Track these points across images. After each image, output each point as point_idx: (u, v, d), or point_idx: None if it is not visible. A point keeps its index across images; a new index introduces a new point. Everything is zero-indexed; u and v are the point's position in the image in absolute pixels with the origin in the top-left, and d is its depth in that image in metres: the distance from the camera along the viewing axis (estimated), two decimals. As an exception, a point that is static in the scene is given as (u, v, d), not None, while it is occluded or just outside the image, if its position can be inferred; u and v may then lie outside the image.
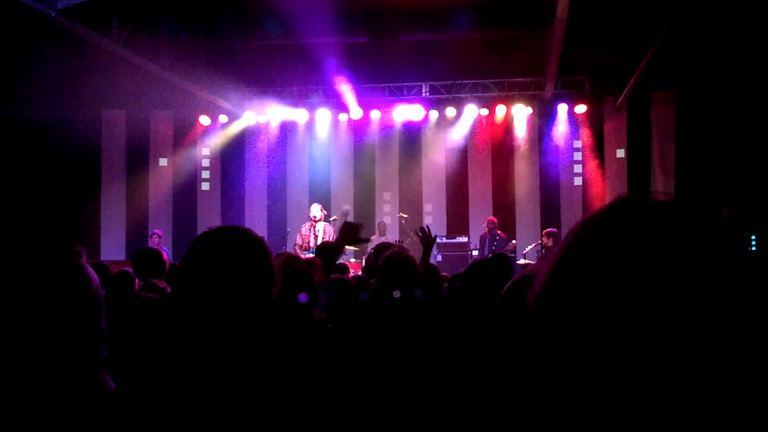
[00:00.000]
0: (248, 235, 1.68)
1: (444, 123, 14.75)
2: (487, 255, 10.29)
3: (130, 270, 4.68)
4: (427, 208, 14.81)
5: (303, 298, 2.53)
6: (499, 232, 12.39)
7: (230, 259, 1.59)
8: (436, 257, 12.31)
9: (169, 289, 4.28)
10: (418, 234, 4.84)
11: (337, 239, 3.59)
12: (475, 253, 12.52)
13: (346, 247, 12.72)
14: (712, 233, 0.79)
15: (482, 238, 12.56)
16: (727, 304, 0.75)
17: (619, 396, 0.75)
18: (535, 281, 0.86)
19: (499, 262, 3.90)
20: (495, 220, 12.66)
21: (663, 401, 0.74)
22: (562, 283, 0.82)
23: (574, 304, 0.79)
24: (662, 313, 0.74)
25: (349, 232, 3.57)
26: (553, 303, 0.82)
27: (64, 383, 1.28)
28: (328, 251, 3.47)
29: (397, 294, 3.39)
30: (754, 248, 11.23)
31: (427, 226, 4.91)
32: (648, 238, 0.78)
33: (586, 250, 0.81)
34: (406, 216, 13.29)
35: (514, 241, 12.66)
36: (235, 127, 15.15)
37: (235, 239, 1.64)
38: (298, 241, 10.80)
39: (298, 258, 3.05)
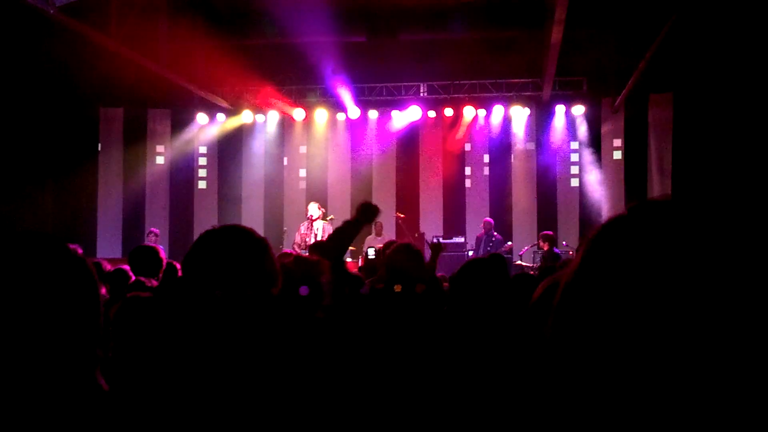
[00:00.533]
0: (251, 234, 1.69)
1: (441, 123, 14.75)
2: (483, 256, 10.29)
3: (127, 267, 4.68)
4: (424, 208, 14.81)
5: (304, 291, 2.53)
6: (495, 233, 12.40)
7: (234, 256, 1.60)
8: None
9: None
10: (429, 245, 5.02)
11: (355, 217, 3.60)
12: (471, 254, 12.52)
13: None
14: (731, 235, 0.79)
15: (478, 240, 12.57)
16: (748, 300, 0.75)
17: (639, 396, 0.76)
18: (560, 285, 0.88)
19: (493, 261, 3.91)
20: (491, 221, 12.65)
21: (691, 403, 0.74)
22: (583, 284, 0.83)
23: (593, 306, 0.81)
24: (680, 312, 0.75)
25: (368, 211, 3.60)
26: (575, 305, 0.83)
27: (58, 383, 1.27)
28: (340, 236, 3.49)
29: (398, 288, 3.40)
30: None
31: (438, 239, 5.08)
32: (668, 239, 0.79)
33: (604, 252, 0.83)
34: (403, 216, 13.29)
35: (510, 243, 12.67)
36: (233, 126, 15.15)
37: (238, 237, 1.65)
38: (297, 239, 10.80)
39: (306, 258, 3.06)
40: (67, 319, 1.29)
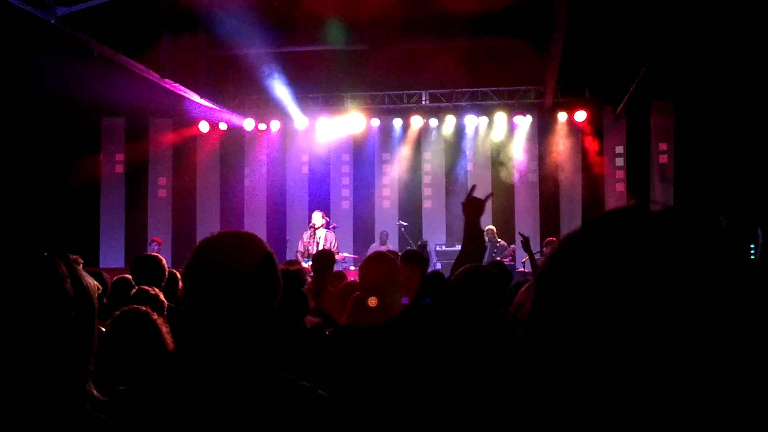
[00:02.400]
0: (253, 240, 1.62)
1: (443, 131, 14.75)
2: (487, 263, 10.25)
3: (129, 277, 4.66)
4: (427, 216, 14.79)
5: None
6: (499, 240, 12.38)
7: (237, 265, 1.54)
8: (435, 265, 12.29)
9: (162, 296, 4.25)
10: (522, 235, 5.33)
11: (468, 216, 3.79)
12: (474, 261, 12.47)
13: (345, 255, 12.49)
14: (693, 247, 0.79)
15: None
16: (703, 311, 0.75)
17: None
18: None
19: (490, 270, 3.88)
20: (493, 228, 12.63)
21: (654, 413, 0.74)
22: (544, 292, 0.84)
23: (551, 317, 0.81)
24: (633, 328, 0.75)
25: (477, 205, 3.84)
26: (537, 316, 0.84)
27: (45, 395, 1.23)
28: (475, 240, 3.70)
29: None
30: (753, 258, 11.20)
31: (522, 234, 5.38)
32: (627, 251, 0.78)
33: (563, 260, 0.84)
34: (405, 224, 13.28)
35: (513, 246, 12.64)
36: (235, 135, 15.15)
37: (240, 245, 1.59)
38: (300, 248, 10.79)
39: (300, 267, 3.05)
40: (53, 330, 1.25)
